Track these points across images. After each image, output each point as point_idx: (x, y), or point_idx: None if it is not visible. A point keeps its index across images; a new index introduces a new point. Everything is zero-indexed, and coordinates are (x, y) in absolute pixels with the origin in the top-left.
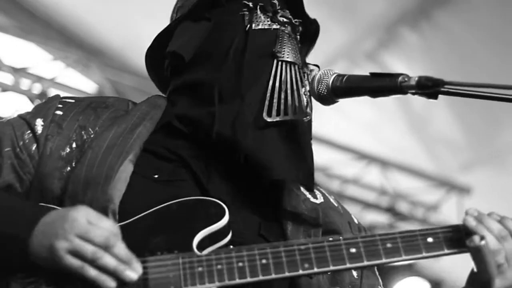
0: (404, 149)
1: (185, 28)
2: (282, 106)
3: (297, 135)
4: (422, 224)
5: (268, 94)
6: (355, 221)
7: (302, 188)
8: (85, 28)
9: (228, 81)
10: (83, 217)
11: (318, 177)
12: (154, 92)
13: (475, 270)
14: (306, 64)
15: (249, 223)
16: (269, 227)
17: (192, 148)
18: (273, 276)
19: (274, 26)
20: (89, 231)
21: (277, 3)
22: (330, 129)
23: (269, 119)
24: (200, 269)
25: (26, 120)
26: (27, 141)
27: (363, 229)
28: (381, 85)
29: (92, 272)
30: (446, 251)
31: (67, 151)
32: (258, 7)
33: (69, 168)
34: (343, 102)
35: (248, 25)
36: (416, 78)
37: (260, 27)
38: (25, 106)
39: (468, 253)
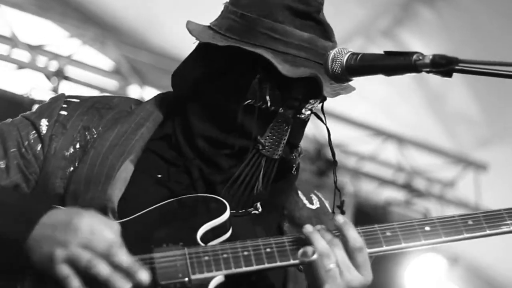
0: (421, 126)
1: (197, 57)
2: (235, 199)
3: (250, 222)
4: (438, 200)
5: (230, 182)
6: None
7: (300, 194)
8: (101, 5)
9: (210, 145)
10: (87, 226)
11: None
12: (170, 69)
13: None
14: (296, 147)
15: (248, 225)
16: (269, 227)
17: (192, 157)
18: (279, 263)
19: (274, 109)
20: (91, 241)
21: (291, 81)
22: (347, 106)
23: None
24: (206, 258)
25: (30, 120)
26: (32, 141)
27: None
28: (395, 63)
29: (74, 283)
30: (444, 238)
31: (71, 151)
32: (267, 81)
33: (72, 168)
34: (359, 79)
35: (250, 99)
36: (431, 57)
37: (261, 105)
38: (42, 83)
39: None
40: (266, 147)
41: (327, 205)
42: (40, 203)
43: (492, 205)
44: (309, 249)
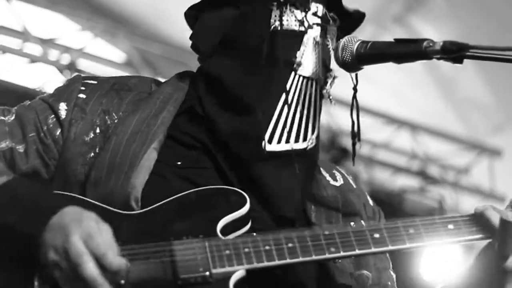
0: (434, 113)
1: (210, 14)
2: (285, 133)
3: (297, 165)
4: (453, 187)
5: (275, 117)
6: (370, 202)
7: (323, 171)
8: None
9: (244, 89)
10: (80, 234)
11: (348, 142)
12: (182, 60)
13: (498, 245)
14: (329, 69)
15: (291, 194)
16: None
17: (214, 134)
18: (300, 259)
19: (301, 28)
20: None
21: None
22: (359, 94)
23: (269, 147)
24: (227, 252)
25: (49, 103)
26: (51, 125)
27: (377, 211)
28: (406, 51)
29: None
30: (466, 237)
31: (91, 136)
32: (288, 2)
33: (92, 154)
34: (370, 67)
35: (274, 25)
36: (441, 43)
37: (285, 27)
38: (54, 76)
39: (485, 240)
40: (303, 67)
41: (351, 181)
42: (53, 199)
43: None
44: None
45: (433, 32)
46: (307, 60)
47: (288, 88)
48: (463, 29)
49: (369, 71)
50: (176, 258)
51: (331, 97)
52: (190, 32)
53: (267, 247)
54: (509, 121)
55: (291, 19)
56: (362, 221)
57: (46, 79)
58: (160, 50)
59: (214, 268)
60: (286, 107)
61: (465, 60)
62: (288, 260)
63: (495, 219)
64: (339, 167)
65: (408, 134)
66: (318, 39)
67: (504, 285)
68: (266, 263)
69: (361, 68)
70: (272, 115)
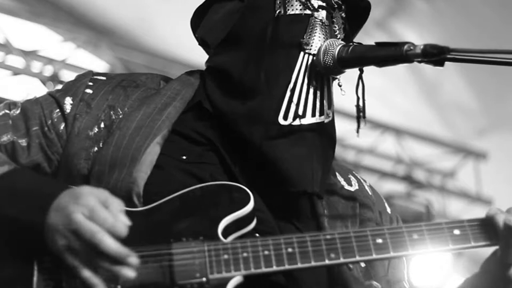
0: (418, 117)
1: (216, 9)
2: (300, 108)
3: (314, 139)
4: (439, 191)
5: (288, 94)
6: (388, 210)
7: (338, 175)
8: (93, 8)
9: (252, 73)
10: (80, 211)
11: (340, 150)
12: (166, 70)
13: (500, 252)
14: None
15: (276, 210)
16: (300, 213)
17: (221, 130)
18: (299, 265)
19: (306, 12)
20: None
21: None
22: (342, 99)
23: (284, 123)
24: (226, 256)
25: (55, 98)
26: (55, 120)
27: (395, 218)
28: (387, 54)
29: (86, 273)
30: (473, 243)
31: (95, 131)
32: None
33: (96, 149)
34: (353, 71)
35: (278, 10)
36: (422, 46)
37: (290, 12)
38: (37, 89)
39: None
40: (312, 46)
41: (366, 187)
42: (52, 185)
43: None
44: None
45: (415, 36)
46: (314, 39)
47: (298, 67)
48: (445, 33)
49: (351, 75)
50: (174, 263)
51: (339, 79)
52: (172, 41)
53: (266, 252)
54: (493, 123)
55: (295, 4)
56: (373, 222)
57: (29, 91)
58: (143, 60)
59: (211, 273)
60: (298, 84)
61: (448, 64)
62: (287, 267)
63: (500, 224)
64: (356, 172)
65: (393, 139)
66: (324, 21)
67: None
68: (263, 269)
69: (343, 72)
70: (285, 93)
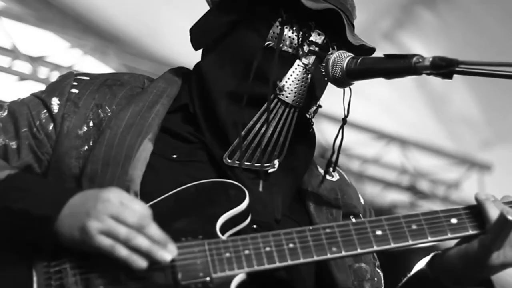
0: (423, 128)
1: (211, 16)
2: (249, 152)
3: (261, 183)
4: (443, 202)
5: (243, 134)
6: (361, 201)
7: (319, 168)
8: (101, 15)
9: (224, 96)
10: (116, 198)
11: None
12: None
13: (490, 240)
14: (315, 98)
15: (271, 203)
16: (292, 207)
17: (209, 129)
18: (302, 260)
19: (294, 53)
20: (122, 212)
21: (313, 26)
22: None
23: (227, 162)
24: (227, 254)
25: (41, 99)
26: (43, 120)
27: (368, 209)
28: (395, 66)
29: (123, 251)
30: (470, 232)
31: (84, 130)
32: (289, 24)
33: (86, 147)
34: (360, 83)
35: (269, 42)
36: (430, 59)
37: (280, 47)
38: None
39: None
40: (285, 92)
41: (345, 176)
42: (66, 187)
43: None
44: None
45: (422, 48)
46: (291, 86)
47: (263, 109)
48: (452, 45)
49: (359, 86)
50: (176, 263)
51: (312, 124)
52: (179, 49)
53: (267, 248)
54: (498, 136)
55: (288, 40)
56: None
57: None
58: (150, 68)
59: (215, 272)
60: (257, 126)
61: (455, 77)
62: (289, 262)
63: (493, 213)
64: (338, 168)
65: (398, 149)
66: (309, 66)
67: (477, 278)
68: (267, 266)
69: (351, 84)
70: (240, 132)
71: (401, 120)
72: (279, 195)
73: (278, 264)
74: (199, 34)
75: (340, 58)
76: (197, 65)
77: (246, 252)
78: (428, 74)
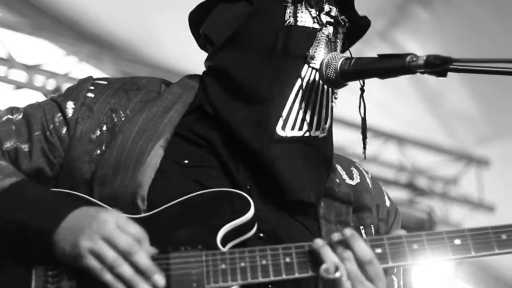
0: (420, 125)
1: (223, 8)
2: (298, 121)
3: (309, 151)
4: (442, 198)
5: (288, 106)
6: (387, 203)
7: (339, 168)
8: (95, 22)
9: (256, 80)
10: (113, 220)
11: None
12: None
13: None
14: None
15: (279, 210)
16: (303, 211)
17: (222, 133)
18: (297, 275)
19: (315, 26)
20: (115, 235)
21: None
22: (345, 109)
23: (281, 133)
24: (223, 266)
25: (57, 102)
26: (57, 124)
27: (394, 211)
28: (389, 66)
29: (108, 276)
30: (473, 254)
31: (97, 134)
32: (303, 0)
33: (98, 151)
34: (356, 82)
35: (288, 20)
36: (424, 57)
37: (299, 24)
38: None
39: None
40: (317, 60)
41: (368, 180)
42: (70, 199)
43: (495, 201)
44: (331, 265)
45: (417, 46)
46: (319, 54)
47: (301, 80)
48: (447, 43)
49: (354, 85)
50: (172, 273)
51: (336, 94)
52: (174, 54)
53: (263, 262)
54: (495, 131)
55: (305, 16)
56: (372, 225)
57: None
58: (145, 73)
59: (208, 283)
60: (299, 97)
61: (450, 74)
62: (284, 277)
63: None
64: (358, 165)
65: (395, 147)
66: (331, 36)
67: None
68: (261, 279)
69: (345, 85)
70: (285, 103)
71: (398, 118)
72: (314, 172)
73: (272, 278)
74: (219, 28)
75: (334, 59)
76: (211, 66)
77: (242, 264)
78: (422, 73)
